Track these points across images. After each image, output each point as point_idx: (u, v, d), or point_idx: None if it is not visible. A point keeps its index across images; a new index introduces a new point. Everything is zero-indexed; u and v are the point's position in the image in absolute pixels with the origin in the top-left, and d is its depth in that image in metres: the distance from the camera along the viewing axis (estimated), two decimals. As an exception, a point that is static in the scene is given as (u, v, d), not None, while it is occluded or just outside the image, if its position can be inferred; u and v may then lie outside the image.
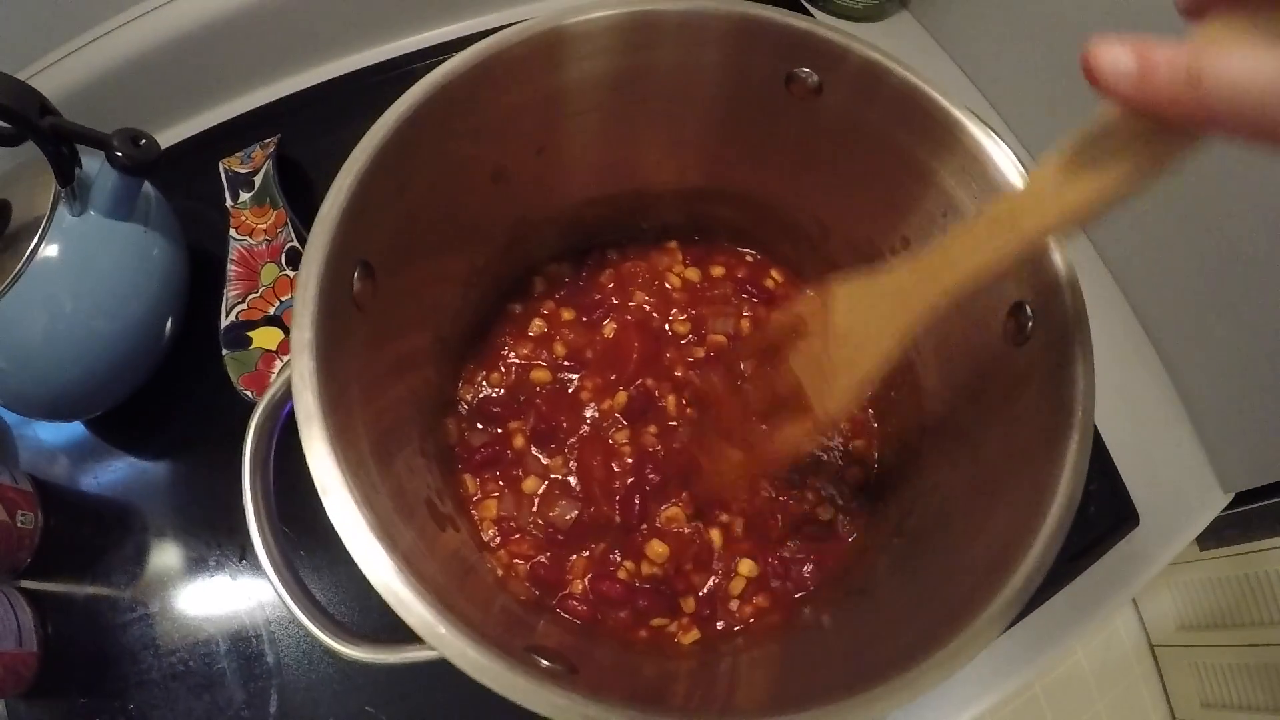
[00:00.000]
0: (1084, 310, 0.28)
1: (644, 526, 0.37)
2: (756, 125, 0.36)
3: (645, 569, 0.36)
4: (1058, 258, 0.28)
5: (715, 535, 0.37)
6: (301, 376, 0.24)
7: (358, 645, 0.24)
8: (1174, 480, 0.49)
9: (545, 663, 0.24)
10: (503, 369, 0.41)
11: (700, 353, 0.41)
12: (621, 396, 0.39)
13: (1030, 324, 0.29)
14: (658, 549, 0.36)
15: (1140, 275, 0.52)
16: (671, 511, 0.37)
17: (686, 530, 0.37)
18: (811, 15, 0.60)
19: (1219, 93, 0.15)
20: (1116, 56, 0.17)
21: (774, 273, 0.43)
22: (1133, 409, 0.49)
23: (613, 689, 0.25)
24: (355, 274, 0.28)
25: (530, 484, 0.38)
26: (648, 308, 0.42)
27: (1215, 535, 0.50)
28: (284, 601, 0.25)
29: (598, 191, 0.39)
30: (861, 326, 0.28)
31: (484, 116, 0.32)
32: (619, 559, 0.36)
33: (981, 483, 0.31)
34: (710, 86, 0.35)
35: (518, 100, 0.33)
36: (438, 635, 0.21)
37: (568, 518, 0.36)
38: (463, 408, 0.40)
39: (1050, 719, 1.08)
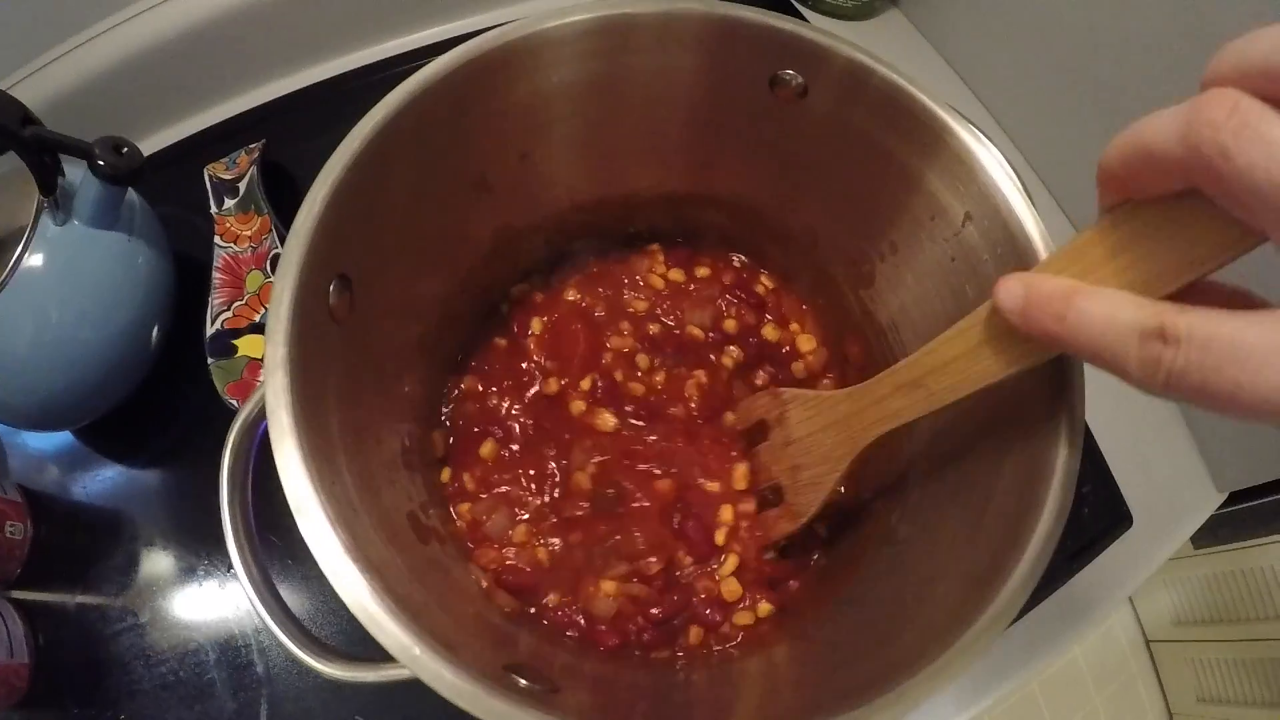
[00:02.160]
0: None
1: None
2: (742, 129, 0.35)
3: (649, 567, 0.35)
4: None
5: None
6: (275, 394, 0.23)
7: (335, 663, 0.24)
8: (1168, 481, 0.48)
9: (524, 682, 0.23)
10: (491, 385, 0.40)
11: (655, 328, 0.40)
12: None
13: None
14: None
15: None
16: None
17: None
18: (801, 15, 0.59)
19: (1076, 333, 0.20)
20: (1011, 289, 0.22)
21: (764, 279, 0.43)
22: (1126, 409, 0.49)
23: (593, 709, 0.25)
24: (331, 287, 0.27)
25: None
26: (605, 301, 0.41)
27: (1209, 534, 0.50)
28: (264, 620, 0.25)
29: (583, 197, 0.39)
30: (816, 445, 0.33)
31: (464, 123, 0.32)
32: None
33: (969, 492, 0.30)
34: (694, 90, 0.34)
35: (498, 106, 0.32)
36: (413, 657, 0.21)
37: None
38: (446, 422, 0.39)
39: (1047, 715, 1.08)
